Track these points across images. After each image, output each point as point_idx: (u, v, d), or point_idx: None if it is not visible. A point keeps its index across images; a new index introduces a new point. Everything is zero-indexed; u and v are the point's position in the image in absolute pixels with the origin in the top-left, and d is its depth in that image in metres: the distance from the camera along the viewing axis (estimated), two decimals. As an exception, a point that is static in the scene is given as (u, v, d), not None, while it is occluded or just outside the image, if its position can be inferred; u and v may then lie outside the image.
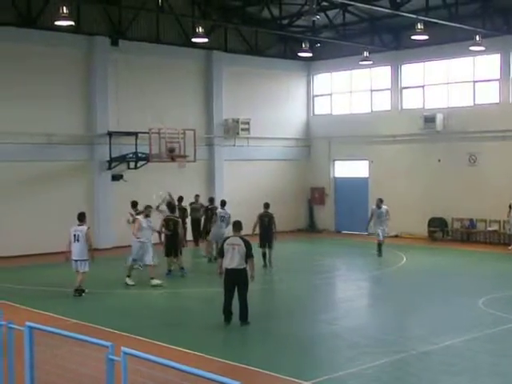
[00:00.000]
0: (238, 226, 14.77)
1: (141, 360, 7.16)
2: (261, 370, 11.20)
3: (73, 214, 25.84)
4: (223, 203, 23.42)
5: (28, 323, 8.57)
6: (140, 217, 19.54)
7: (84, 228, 17.84)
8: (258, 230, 22.49)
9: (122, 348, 7.17)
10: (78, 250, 17.70)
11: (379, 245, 24.36)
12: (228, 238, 14.94)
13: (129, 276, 19.17)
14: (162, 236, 20.40)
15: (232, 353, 12.48)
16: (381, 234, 24.34)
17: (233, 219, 23.33)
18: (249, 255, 14.20)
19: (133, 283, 18.99)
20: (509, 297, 17.56)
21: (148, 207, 19.89)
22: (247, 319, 14.32)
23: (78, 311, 15.84)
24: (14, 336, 8.85)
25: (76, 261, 17.74)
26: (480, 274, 21.23)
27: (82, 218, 18.04)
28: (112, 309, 16.59)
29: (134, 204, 21.98)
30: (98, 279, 19.92)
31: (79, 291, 17.70)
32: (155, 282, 18.85)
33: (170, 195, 23.10)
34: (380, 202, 24.63)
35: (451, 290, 18.48)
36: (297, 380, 10.66)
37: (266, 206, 22.77)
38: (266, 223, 22.43)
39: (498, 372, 11.45)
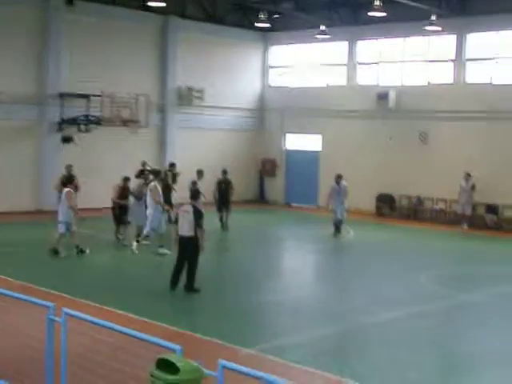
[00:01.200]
0: (193, 193, 15.15)
1: (85, 323, 7.15)
2: (204, 337, 11.27)
3: (18, 174, 25.71)
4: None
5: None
6: (156, 182, 19.07)
7: (65, 190, 17.94)
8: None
9: (63, 309, 7.15)
10: (59, 212, 17.95)
11: (337, 223, 23.07)
12: (182, 204, 14.96)
13: (138, 241, 18.62)
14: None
15: (176, 319, 12.49)
16: (340, 213, 23.00)
17: (183, 186, 23.31)
18: (197, 224, 14.11)
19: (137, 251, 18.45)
20: (449, 274, 17.98)
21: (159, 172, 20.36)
22: (192, 288, 14.29)
23: (23, 273, 15.61)
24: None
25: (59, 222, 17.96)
26: (423, 251, 21.56)
27: (68, 180, 18.32)
28: (60, 272, 16.45)
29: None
30: (48, 242, 19.79)
31: (53, 250, 17.79)
32: (164, 250, 18.33)
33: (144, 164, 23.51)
34: (339, 178, 23.40)
35: (394, 266, 18.79)
36: (239, 347, 10.75)
37: (224, 172, 24.22)
38: (223, 188, 23.75)
39: (436, 345, 11.73)
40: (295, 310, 13.65)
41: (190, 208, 14.32)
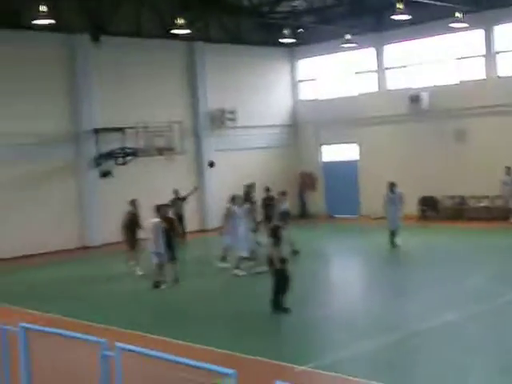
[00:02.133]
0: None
1: (140, 356, 7.14)
2: (257, 358, 11.19)
3: (61, 212, 26.02)
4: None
5: (22, 324, 8.55)
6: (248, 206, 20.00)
7: (153, 221, 17.80)
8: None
9: (116, 343, 7.17)
10: (149, 242, 17.87)
11: (394, 233, 21.93)
12: None
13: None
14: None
15: (227, 342, 12.38)
16: (398, 222, 21.86)
17: (220, 209, 23.27)
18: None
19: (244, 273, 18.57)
20: (503, 270, 17.61)
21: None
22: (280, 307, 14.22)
23: (73, 309, 15.75)
24: (9, 337, 8.85)
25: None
26: (473, 251, 21.27)
27: (156, 210, 18.08)
28: (107, 305, 16.55)
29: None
30: (92, 277, 20.00)
31: (156, 283, 17.62)
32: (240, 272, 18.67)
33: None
34: (392, 185, 22.42)
35: (446, 268, 18.50)
36: (294, 365, 10.65)
37: (267, 189, 24.05)
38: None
39: (500, 347, 11.48)
40: (349, 323, 13.53)
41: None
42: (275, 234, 14.42)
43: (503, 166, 26.17)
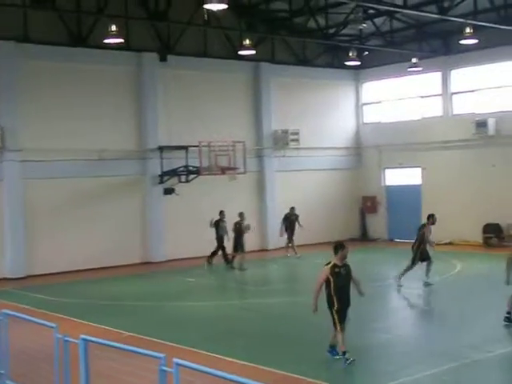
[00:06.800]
0: None
1: (196, 372, 7.19)
2: (314, 381, 11.13)
3: (125, 227, 26.40)
4: None
5: (83, 336, 8.72)
6: None
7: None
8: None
9: (174, 359, 7.24)
10: None
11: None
12: None
13: None
14: None
15: (285, 364, 12.33)
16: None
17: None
18: None
19: None
20: None
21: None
22: None
23: (133, 324, 15.95)
24: (70, 349, 9.03)
25: None
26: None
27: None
28: (167, 321, 16.65)
29: None
30: (153, 292, 20.20)
31: None
32: None
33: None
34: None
35: (506, 298, 18.06)
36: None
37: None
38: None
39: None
40: (404, 350, 13.33)
41: None
42: None
43: None
